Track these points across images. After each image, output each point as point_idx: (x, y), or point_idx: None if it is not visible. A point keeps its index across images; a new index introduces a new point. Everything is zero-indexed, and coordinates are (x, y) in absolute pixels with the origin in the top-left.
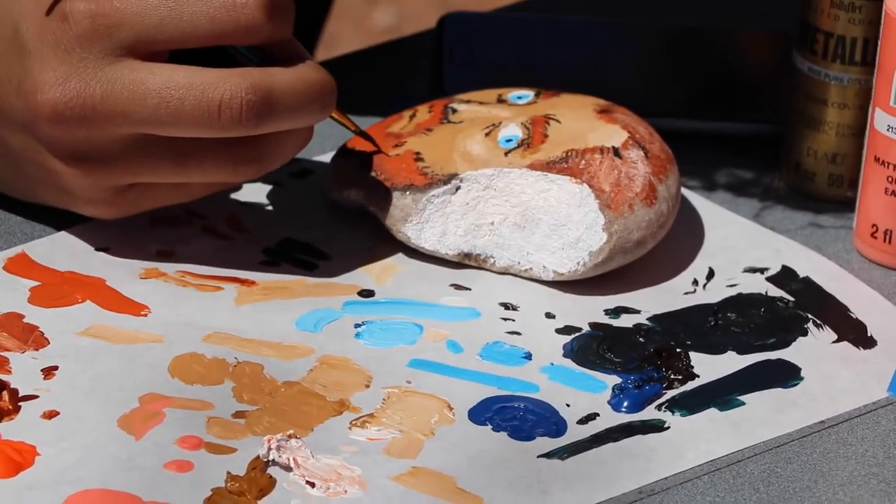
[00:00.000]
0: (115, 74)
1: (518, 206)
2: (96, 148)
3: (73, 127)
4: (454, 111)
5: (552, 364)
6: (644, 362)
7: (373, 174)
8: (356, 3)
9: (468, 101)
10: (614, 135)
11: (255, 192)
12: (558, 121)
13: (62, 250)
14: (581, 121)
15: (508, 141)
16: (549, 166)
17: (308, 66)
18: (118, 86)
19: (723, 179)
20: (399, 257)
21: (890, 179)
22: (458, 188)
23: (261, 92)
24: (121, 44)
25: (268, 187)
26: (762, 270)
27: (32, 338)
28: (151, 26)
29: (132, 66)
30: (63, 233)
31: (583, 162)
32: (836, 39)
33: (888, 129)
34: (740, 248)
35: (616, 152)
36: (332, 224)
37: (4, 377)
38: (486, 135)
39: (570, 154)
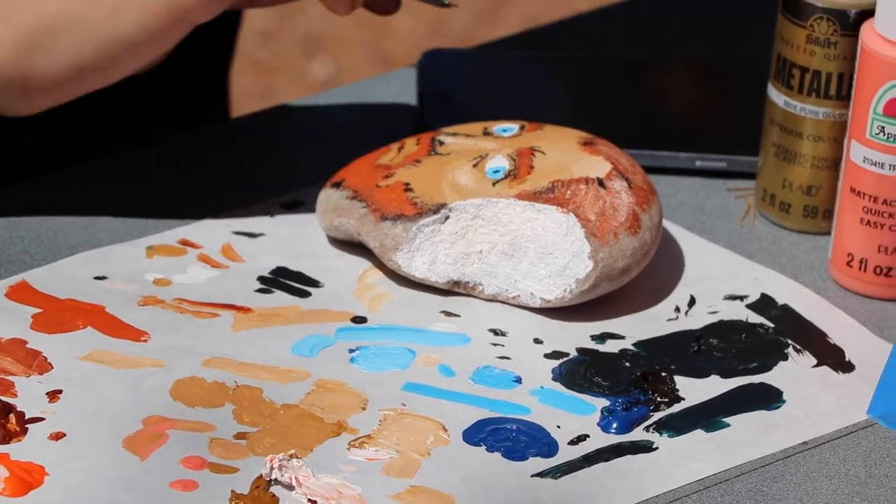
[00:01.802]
0: None
1: (506, 234)
2: None
3: None
4: (441, 143)
5: (542, 387)
6: (631, 386)
7: (363, 205)
8: (293, 55)
9: (455, 134)
10: (598, 166)
11: (247, 223)
12: (543, 152)
13: (61, 278)
14: (565, 153)
15: (496, 172)
16: (535, 196)
17: None
18: None
19: (700, 211)
20: (390, 285)
21: (865, 210)
22: (447, 217)
23: None
24: None
25: (260, 218)
26: (742, 298)
27: (36, 362)
28: None
29: None
30: (61, 261)
31: (568, 192)
32: (811, 74)
33: (864, 161)
34: (720, 276)
35: (600, 183)
36: (323, 253)
37: (11, 400)
38: (474, 166)
39: (556, 185)
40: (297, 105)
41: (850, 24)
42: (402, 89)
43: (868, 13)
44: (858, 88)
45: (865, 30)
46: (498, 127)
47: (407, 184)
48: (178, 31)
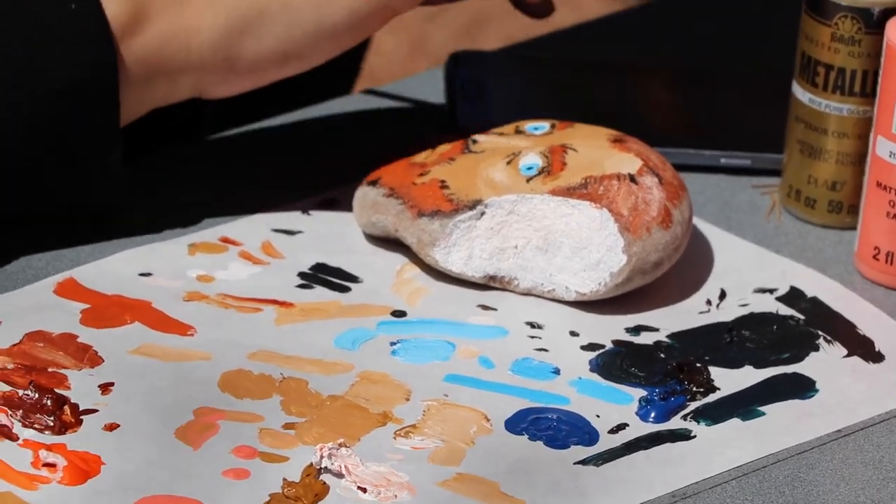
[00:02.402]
0: None
1: (540, 230)
2: None
3: None
4: (475, 142)
5: (580, 378)
6: (666, 376)
7: (400, 202)
8: None
9: (487, 133)
10: (629, 162)
11: (285, 221)
12: (575, 150)
13: (108, 275)
14: (596, 150)
15: (529, 168)
16: (569, 192)
17: None
18: None
19: (726, 207)
20: (427, 280)
21: (892, 203)
22: (482, 213)
23: None
24: None
25: (297, 216)
26: (771, 291)
27: (87, 356)
28: None
29: None
30: (106, 259)
31: (601, 188)
32: (836, 72)
33: (890, 156)
34: (749, 270)
35: (632, 178)
36: (361, 249)
37: (65, 393)
38: (508, 163)
39: (588, 181)
40: (323, 107)
41: (875, 21)
42: (430, 90)
43: (892, 11)
44: (884, 84)
45: (891, 27)
46: (529, 125)
47: (443, 181)
48: (381, 19)
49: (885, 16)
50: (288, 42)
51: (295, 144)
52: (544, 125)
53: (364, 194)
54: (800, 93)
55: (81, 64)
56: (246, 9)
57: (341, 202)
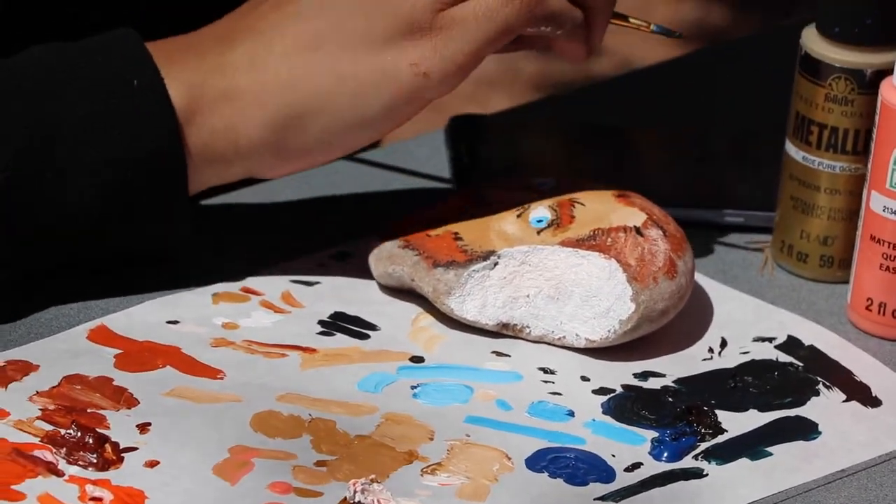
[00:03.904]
0: None
1: (551, 279)
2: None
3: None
4: (484, 197)
5: (594, 420)
6: (676, 419)
7: (415, 253)
8: None
9: (496, 188)
10: (634, 216)
11: (304, 272)
12: (582, 204)
13: (137, 323)
14: (602, 204)
15: (539, 221)
16: (578, 243)
17: None
18: None
19: (722, 262)
20: (443, 328)
21: (885, 256)
22: (496, 264)
23: None
24: None
25: (314, 268)
26: (770, 339)
27: (124, 398)
28: None
29: None
30: (135, 308)
31: (609, 239)
32: (829, 130)
33: (884, 210)
34: (747, 320)
35: (638, 231)
36: (377, 299)
37: (105, 432)
38: (518, 216)
39: (596, 233)
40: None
41: (867, 82)
42: (431, 151)
43: (883, 72)
44: (878, 141)
45: (885, 86)
46: (536, 182)
47: (456, 233)
48: (416, 108)
49: (877, 77)
50: (330, 133)
51: (310, 198)
52: (550, 181)
53: (380, 246)
54: (793, 151)
55: (150, 138)
56: (289, 105)
57: (356, 254)
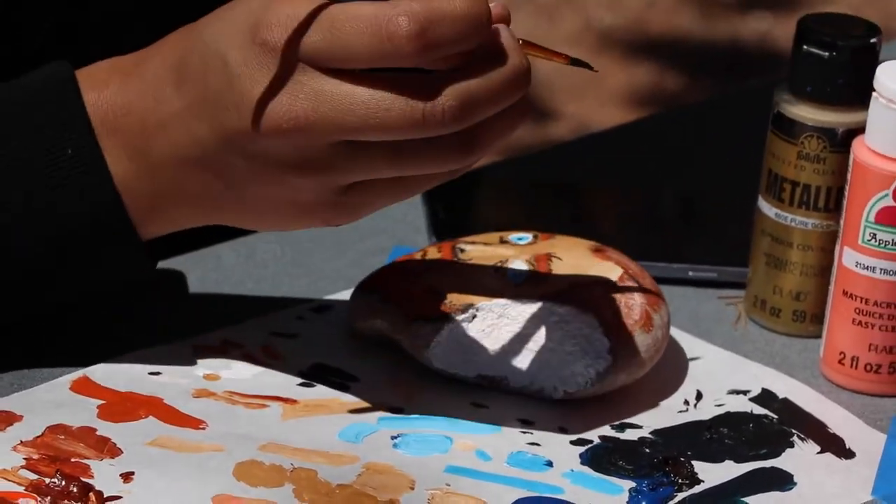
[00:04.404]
0: (319, 87)
1: (529, 332)
2: (314, 153)
3: (291, 138)
4: (462, 250)
5: (572, 470)
6: (653, 469)
7: (394, 306)
8: None
9: (473, 243)
10: (610, 270)
11: (283, 325)
12: (559, 258)
13: (119, 374)
14: (579, 258)
15: (517, 275)
16: (556, 297)
17: (505, 60)
18: (323, 98)
19: (695, 316)
20: (422, 379)
21: (857, 311)
22: (474, 316)
23: (460, 96)
24: (313, 62)
25: (294, 321)
26: (745, 392)
27: (107, 447)
28: (322, 50)
29: (335, 82)
30: (116, 359)
31: (585, 293)
32: (802, 188)
33: (856, 265)
34: (722, 373)
35: (614, 285)
36: (357, 351)
37: (89, 481)
38: (496, 270)
39: (574, 286)
40: None
41: (839, 141)
42: (408, 206)
43: (854, 131)
44: (851, 198)
45: (857, 144)
46: (513, 236)
47: (434, 286)
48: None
49: (848, 135)
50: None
51: (288, 252)
52: (527, 235)
53: (358, 299)
54: (766, 208)
55: (89, 204)
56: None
57: (335, 307)
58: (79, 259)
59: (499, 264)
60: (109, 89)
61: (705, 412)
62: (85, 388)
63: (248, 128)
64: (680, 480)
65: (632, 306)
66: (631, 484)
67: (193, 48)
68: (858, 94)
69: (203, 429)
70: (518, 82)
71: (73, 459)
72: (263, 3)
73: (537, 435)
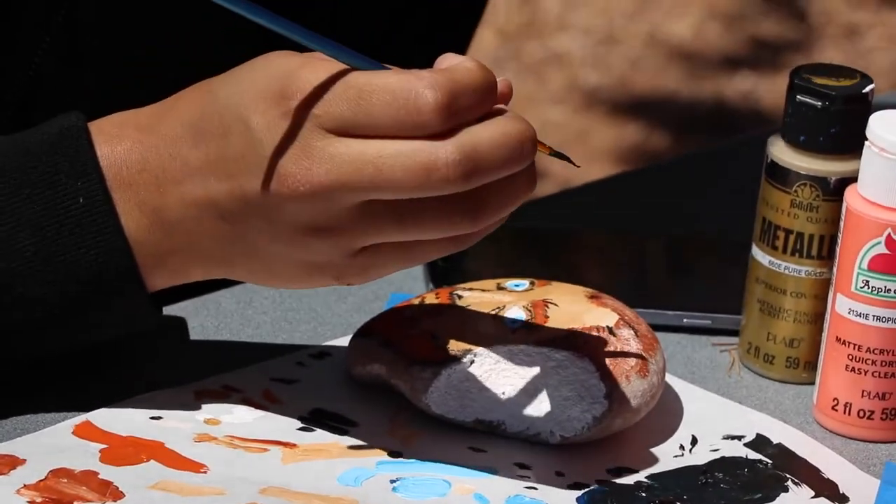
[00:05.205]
0: (334, 151)
1: (527, 378)
2: (331, 217)
3: (309, 201)
4: (460, 297)
5: None
6: None
7: (393, 352)
8: None
9: (471, 289)
10: (606, 316)
11: (283, 371)
12: (556, 304)
13: (121, 418)
14: (575, 304)
15: (514, 322)
16: (553, 343)
17: (507, 120)
18: (339, 160)
19: (689, 363)
20: (420, 424)
21: (850, 357)
22: (472, 362)
23: (465, 152)
24: (337, 130)
25: (293, 366)
26: (739, 438)
27: (109, 491)
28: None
29: (347, 142)
30: (118, 404)
31: (582, 339)
32: (795, 236)
33: (849, 312)
34: (716, 418)
35: (610, 331)
36: (356, 396)
37: None
38: (494, 316)
39: (570, 333)
40: None
41: (831, 189)
42: None
43: (847, 180)
44: (844, 246)
45: (849, 193)
46: (510, 283)
47: (433, 332)
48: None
49: (841, 184)
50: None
51: (287, 299)
52: (524, 282)
53: (357, 344)
54: (760, 255)
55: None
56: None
57: (334, 353)
58: (85, 307)
59: (496, 310)
60: (123, 145)
61: (700, 457)
62: (87, 432)
63: (268, 191)
64: None
65: (628, 352)
66: None
67: (213, 108)
68: (851, 143)
69: (204, 472)
70: (520, 138)
71: (75, 503)
72: (287, 71)
73: (534, 479)
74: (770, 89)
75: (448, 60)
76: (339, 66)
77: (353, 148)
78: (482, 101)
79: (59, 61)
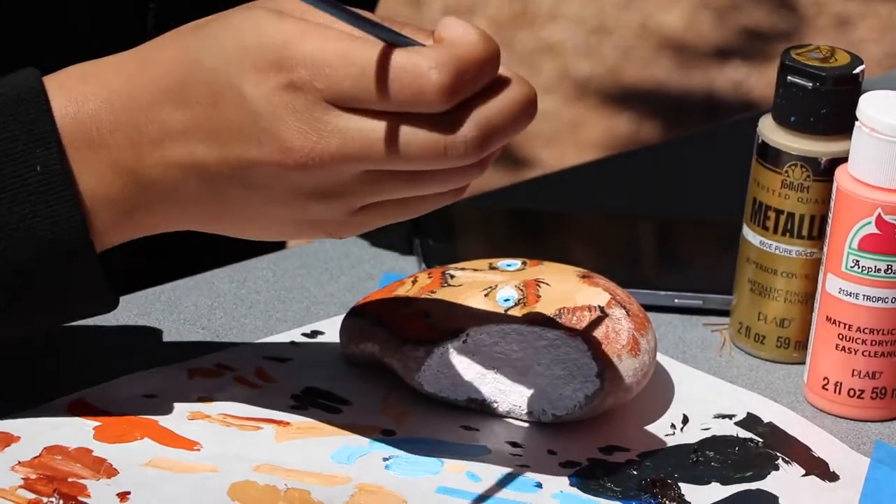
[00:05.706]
0: (344, 125)
1: (519, 356)
2: (332, 184)
3: (315, 172)
4: (452, 276)
5: (562, 491)
6: (641, 491)
7: (386, 331)
8: None
9: (463, 269)
10: (598, 296)
11: (276, 350)
12: (547, 284)
13: (116, 396)
14: (567, 284)
15: (506, 300)
16: (545, 322)
17: (514, 87)
18: (349, 136)
19: (681, 343)
20: (413, 402)
21: (840, 336)
22: (464, 341)
23: (482, 130)
24: (340, 103)
25: (286, 345)
26: (730, 416)
27: (103, 468)
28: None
29: (355, 118)
30: (112, 382)
31: (574, 318)
32: (786, 216)
33: (839, 292)
34: (707, 398)
35: (602, 310)
36: (348, 375)
37: (86, 500)
38: (486, 295)
39: (562, 311)
40: (299, 249)
41: (822, 170)
42: (398, 234)
43: (837, 160)
44: (834, 226)
45: (840, 173)
46: (502, 262)
47: (426, 311)
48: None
49: (831, 164)
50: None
51: (281, 278)
52: (516, 262)
53: (350, 323)
54: (751, 236)
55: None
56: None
57: (327, 332)
58: (38, 279)
59: (488, 290)
60: (90, 104)
61: (692, 436)
62: (82, 410)
63: (270, 162)
64: (667, 502)
65: (619, 331)
66: None
67: (198, 77)
68: (841, 123)
69: (198, 450)
70: (529, 106)
71: (70, 479)
72: (282, 40)
73: (526, 457)
74: (761, 79)
75: (451, 29)
76: (334, 35)
77: (365, 124)
78: (486, 72)
79: None
